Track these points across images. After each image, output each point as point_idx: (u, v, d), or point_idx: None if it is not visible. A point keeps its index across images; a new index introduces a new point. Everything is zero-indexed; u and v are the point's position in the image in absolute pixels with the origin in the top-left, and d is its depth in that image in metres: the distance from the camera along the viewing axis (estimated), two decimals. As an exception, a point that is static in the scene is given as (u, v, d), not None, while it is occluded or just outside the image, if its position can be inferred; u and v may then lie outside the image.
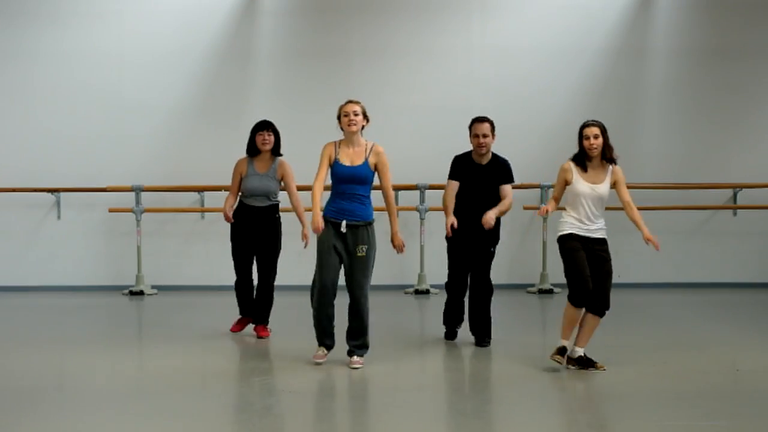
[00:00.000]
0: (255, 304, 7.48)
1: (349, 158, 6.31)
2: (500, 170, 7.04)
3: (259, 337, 7.41)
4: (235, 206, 7.45)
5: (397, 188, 9.99)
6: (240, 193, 7.48)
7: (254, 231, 7.36)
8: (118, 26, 10.29)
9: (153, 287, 10.08)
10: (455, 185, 7.03)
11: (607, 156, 6.22)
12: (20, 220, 10.35)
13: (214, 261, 10.28)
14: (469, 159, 7.06)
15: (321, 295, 6.25)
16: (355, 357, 6.32)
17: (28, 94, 10.31)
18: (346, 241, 6.26)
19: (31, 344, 7.28)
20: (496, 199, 7.00)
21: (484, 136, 6.93)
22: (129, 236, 10.11)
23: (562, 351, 6.16)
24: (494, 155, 7.06)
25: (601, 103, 10.39)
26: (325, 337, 6.38)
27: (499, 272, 10.33)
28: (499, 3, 10.44)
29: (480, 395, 5.86)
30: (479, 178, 6.96)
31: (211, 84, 10.36)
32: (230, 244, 7.52)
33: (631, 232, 10.93)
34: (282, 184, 7.46)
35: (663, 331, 7.67)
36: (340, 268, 6.32)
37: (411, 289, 10.08)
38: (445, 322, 7.32)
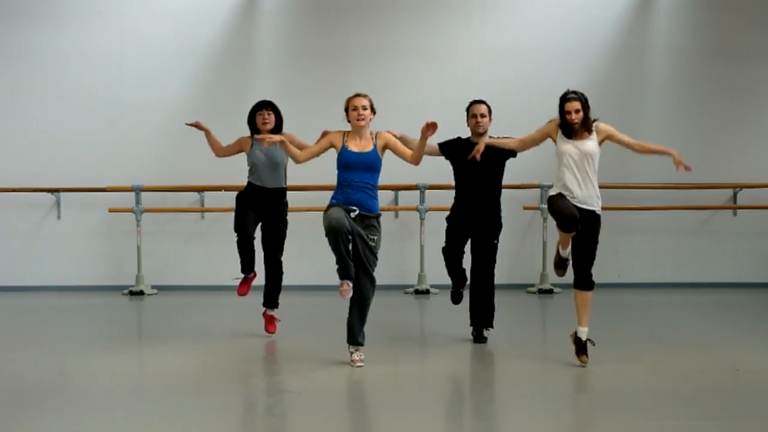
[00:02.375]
0: (265, 286, 7.41)
1: (358, 147, 6.34)
2: (495, 148, 7.00)
3: (267, 332, 7.38)
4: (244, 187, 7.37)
5: (396, 188, 10.02)
6: (248, 171, 7.34)
7: (262, 210, 7.28)
8: (118, 26, 10.30)
9: (153, 287, 10.08)
10: (435, 147, 7.12)
11: (588, 126, 6.19)
12: (20, 220, 10.35)
13: (214, 261, 10.29)
14: (467, 142, 7.11)
15: (337, 226, 6.03)
16: (355, 356, 6.33)
17: (28, 94, 10.31)
18: (355, 226, 6.21)
19: (31, 344, 7.28)
20: (497, 186, 7.07)
21: (482, 115, 7.06)
22: (129, 236, 10.12)
23: (562, 263, 6.28)
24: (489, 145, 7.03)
25: (601, 103, 10.30)
26: (349, 269, 6.17)
27: (499, 272, 10.28)
28: (499, 3, 10.44)
29: (480, 395, 5.85)
30: (478, 163, 6.92)
31: (211, 84, 10.36)
32: (233, 221, 7.37)
33: (631, 232, 11.02)
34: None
35: (663, 331, 7.67)
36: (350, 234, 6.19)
37: (411, 289, 10.07)
38: (450, 274, 7.29)
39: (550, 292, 9.96)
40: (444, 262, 7.29)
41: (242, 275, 7.54)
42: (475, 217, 7.03)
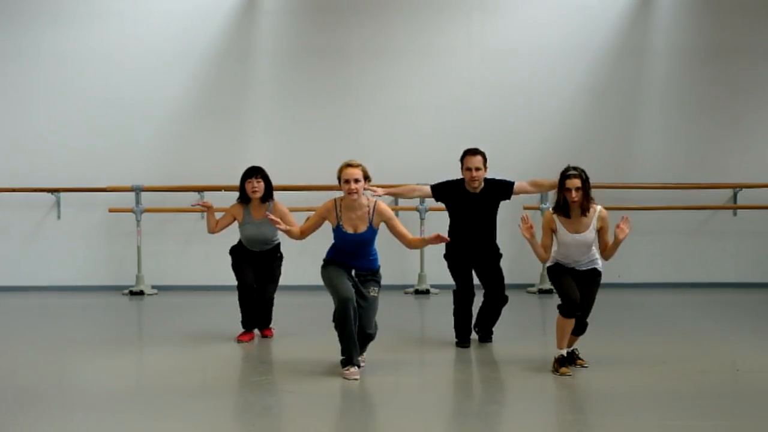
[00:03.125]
0: (257, 314, 7.37)
1: (352, 225, 6.12)
2: (496, 189, 6.97)
3: (264, 336, 7.40)
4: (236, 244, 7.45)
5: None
6: (239, 239, 7.39)
7: (255, 265, 7.33)
8: (118, 26, 10.30)
9: (153, 287, 10.08)
10: (426, 191, 7.04)
11: (585, 207, 6.14)
12: (20, 220, 10.36)
13: (214, 261, 10.25)
14: (461, 187, 6.99)
15: (344, 309, 5.99)
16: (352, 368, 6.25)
17: (29, 95, 10.32)
18: (355, 280, 6.18)
19: (31, 344, 7.28)
20: (492, 223, 7.02)
21: (477, 169, 6.85)
22: (129, 236, 10.12)
23: (562, 361, 6.15)
24: (486, 180, 6.99)
25: (601, 103, 10.41)
26: (356, 354, 6.11)
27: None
28: (499, 3, 10.44)
29: (480, 395, 5.85)
30: (474, 205, 6.93)
31: (211, 84, 10.37)
32: (231, 263, 7.41)
33: (632, 232, 10.99)
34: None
35: (663, 331, 7.67)
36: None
37: (411, 289, 10.08)
38: (456, 327, 7.15)
39: (550, 292, 9.96)
40: (453, 308, 7.13)
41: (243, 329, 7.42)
42: (473, 251, 6.99)
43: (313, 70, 10.40)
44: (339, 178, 6.13)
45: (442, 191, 7.04)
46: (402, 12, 10.38)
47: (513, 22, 10.40)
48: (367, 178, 6.11)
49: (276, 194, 10.08)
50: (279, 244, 7.42)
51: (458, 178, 7.03)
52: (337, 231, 6.16)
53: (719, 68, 10.43)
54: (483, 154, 6.91)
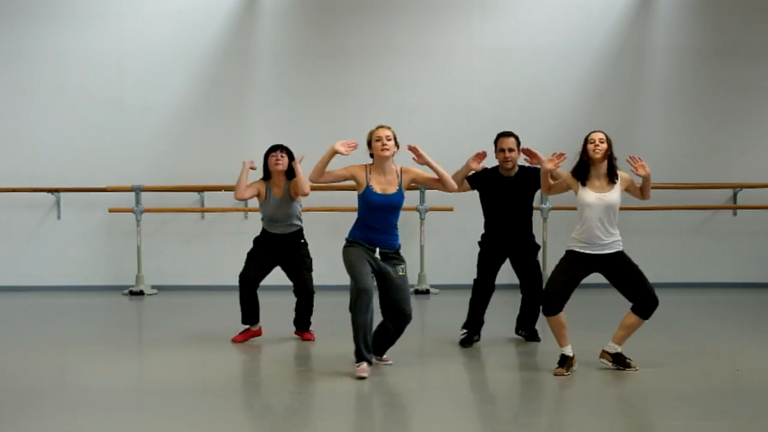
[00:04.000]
0: (296, 312, 7.30)
1: (381, 186, 6.10)
2: (531, 175, 6.93)
3: (304, 339, 7.28)
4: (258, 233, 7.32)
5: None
6: (261, 219, 7.31)
7: (278, 256, 7.19)
8: (118, 26, 10.30)
9: (153, 287, 10.08)
10: (467, 184, 6.99)
11: (611, 166, 6.03)
12: (20, 220, 10.36)
13: (214, 261, 10.30)
14: (495, 173, 6.99)
15: (361, 299, 5.92)
16: (385, 355, 6.29)
17: (29, 94, 10.32)
18: (380, 264, 6.09)
19: (31, 344, 7.28)
20: (528, 211, 6.96)
21: (510, 150, 6.88)
22: (129, 236, 10.12)
23: (563, 360, 6.09)
24: (521, 166, 6.99)
25: (601, 103, 10.40)
26: (367, 349, 6.05)
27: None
28: (499, 3, 10.44)
29: (480, 395, 5.85)
30: (508, 190, 6.89)
31: (211, 84, 10.37)
32: (246, 255, 7.28)
33: (632, 232, 10.97)
34: (300, 199, 7.23)
35: (663, 331, 7.66)
36: (374, 282, 6.10)
37: (411, 290, 10.07)
38: (466, 326, 7.10)
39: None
40: (471, 297, 7.11)
41: (244, 326, 7.30)
42: (509, 241, 6.94)
43: (313, 70, 10.40)
44: (369, 142, 6.16)
45: (477, 178, 7.00)
46: (402, 12, 10.38)
47: (513, 22, 10.41)
48: (396, 143, 6.15)
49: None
50: (302, 229, 7.27)
51: (493, 166, 7.04)
52: (366, 194, 6.06)
53: (719, 68, 10.43)
54: (516, 137, 6.97)
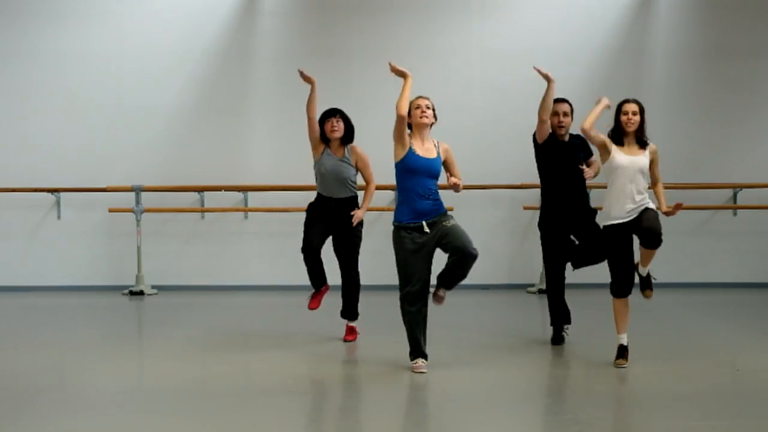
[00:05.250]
0: (342, 298, 7.21)
1: (423, 151, 6.14)
2: (581, 143, 6.99)
3: (345, 340, 7.18)
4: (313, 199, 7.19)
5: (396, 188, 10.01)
6: (315, 180, 7.16)
7: (331, 222, 7.05)
8: (118, 26, 10.30)
9: (153, 287, 10.08)
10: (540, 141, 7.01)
11: (642, 136, 6.18)
12: (20, 220, 10.35)
13: (214, 261, 10.30)
14: (552, 137, 6.99)
15: (411, 300, 6.01)
16: (441, 290, 6.23)
17: (28, 94, 10.31)
18: (430, 235, 6.03)
19: (31, 344, 7.29)
20: (583, 179, 6.94)
21: (564, 114, 6.95)
22: (129, 236, 10.12)
23: (622, 350, 6.19)
24: (571, 135, 7.05)
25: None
26: (422, 345, 6.14)
27: (499, 272, 10.41)
28: (499, 3, 10.44)
29: (481, 395, 5.85)
30: (564, 153, 6.91)
31: (211, 84, 10.37)
32: (303, 224, 7.14)
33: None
34: (357, 171, 7.18)
35: (663, 331, 7.67)
36: (430, 267, 6.11)
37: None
38: (552, 323, 7.08)
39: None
40: (547, 293, 7.08)
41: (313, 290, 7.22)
42: (568, 209, 6.90)
43: (313, 70, 10.23)
44: (408, 112, 6.16)
45: (539, 139, 7.00)
46: (402, 12, 10.38)
47: (513, 22, 10.40)
48: (435, 115, 6.26)
49: (276, 194, 10.20)
50: (356, 196, 7.17)
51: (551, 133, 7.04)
52: (409, 155, 6.05)
53: (719, 68, 10.43)
54: (570, 104, 7.05)
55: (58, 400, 5.55)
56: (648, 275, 6.45)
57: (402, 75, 6.20)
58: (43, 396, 5.62)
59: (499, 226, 10.41)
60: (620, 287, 6.22)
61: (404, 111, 6.11)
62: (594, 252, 6.86)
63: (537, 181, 9.97)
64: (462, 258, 6.01)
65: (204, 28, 10.31)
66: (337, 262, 7.21)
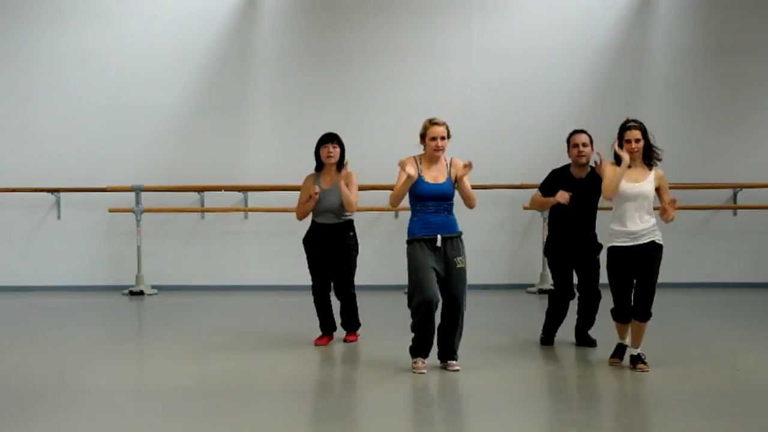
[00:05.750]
0: (341, 314, 7.23)
1: (432, 176, 6.14)
2: (596, 176, 6.79)
3: (346, 341, 7.22)
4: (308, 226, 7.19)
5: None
6: (312, 219, 7.21)
7: (328, 250, 7.08)
8: (118, 26, 10.31)
9: (153, 287, 10.08)
10: (539, 195, 6.98)
11: (651, 158, 6.10)
12: (20, 220, 10.36)
13: (214, 261, 10.30)
14: (567, 173, 6.91)
15: (422, 310, 6.04)
16: (452, 361, 6.22)
17: (29, 94, 10.32)
18: (443, 254, 6.08)
19: (31, 344, 7.29)
20: (594, 212, 6.88)
21: (584, 145, 6.81)
22: (129, 236, 10.12)
23: (620, 349, 6.25)
24: (592, 168, 6.85)
25: (601, 103, 10.39)
26: (428, 349, 6.19)
27: (499, 272, 10.41)
28: (499, 3, 10.45)
29: (480, 395, 5.85)
30: (580, 191, 6.79)
31: (211, 84, 10.37)
32: (305, 257, 7.17)
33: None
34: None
35: (663, 331, 7.65)
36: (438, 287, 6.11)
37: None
38: (545, 330, 7.07)
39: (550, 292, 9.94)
40: (548, 307, 7.06)
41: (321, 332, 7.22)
42: (575, 243, 6.85)
43: (313, 70, 10.40)
44: (423, 135, 6.17)
45: (549, 184, 6.93)
46: (402, 12, 10.38)
47: (513, 22, 10.40)
48: (449, 135, 6.19)
49: (276, 194, 10.21)
50: (352, 221, 7.18)
51: (561, 165, 6.99)
52: (418, 184, 6.08)
53: (719, 68, 10.43)
54: (589, 134, 6.91)
55: (58, 400, 5.55)
56: (639, 355, 6.18)
57: (404, 172, 6.09)
58: (43, 396, 5.62)
59: (499, 226, 10.41)
60: (621, 313, 6.16)
61: (396, 205, 6.30)
62: (588, 310, 6.90)
63: (537, 181, 10.06)
64: (448, 314, 6.15)
65: (204, 28, 10.31)
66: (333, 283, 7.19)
